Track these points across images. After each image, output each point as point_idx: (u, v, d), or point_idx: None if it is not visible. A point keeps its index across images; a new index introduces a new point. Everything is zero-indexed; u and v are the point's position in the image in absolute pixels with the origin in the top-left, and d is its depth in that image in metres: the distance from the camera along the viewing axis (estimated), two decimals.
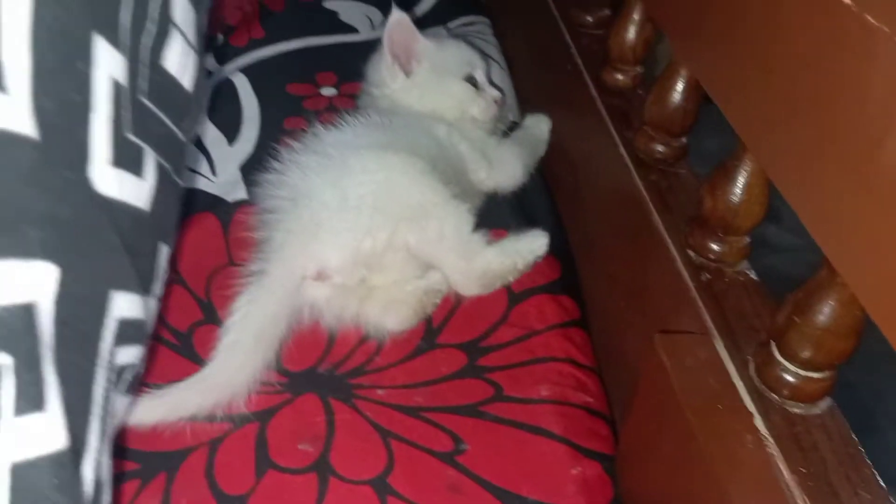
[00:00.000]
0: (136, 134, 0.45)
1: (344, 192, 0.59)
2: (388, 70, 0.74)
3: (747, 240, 0.50)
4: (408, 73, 0.74)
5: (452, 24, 1.03)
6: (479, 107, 0.74)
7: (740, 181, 0.48)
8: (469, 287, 0.64)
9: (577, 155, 0.74)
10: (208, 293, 0.62)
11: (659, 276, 0.54)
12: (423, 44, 0.74)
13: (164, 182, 0.48)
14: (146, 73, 0.46)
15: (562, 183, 0.76)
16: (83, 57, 0.40)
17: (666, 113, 0.58)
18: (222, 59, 0.91)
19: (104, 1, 0.42)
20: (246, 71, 0.89)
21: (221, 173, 0.75)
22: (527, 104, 0.89)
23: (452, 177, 0.65)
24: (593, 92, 0.69)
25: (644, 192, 0.57)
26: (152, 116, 0.47)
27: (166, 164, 0.49)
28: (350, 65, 0.93)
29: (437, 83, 0.74)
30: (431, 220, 0.61)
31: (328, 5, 1.06)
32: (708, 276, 0.50)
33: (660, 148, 0.60)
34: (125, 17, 0.43)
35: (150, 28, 0.46)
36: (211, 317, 0.61)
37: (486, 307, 0.64)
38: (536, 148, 0.79)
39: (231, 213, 0.70)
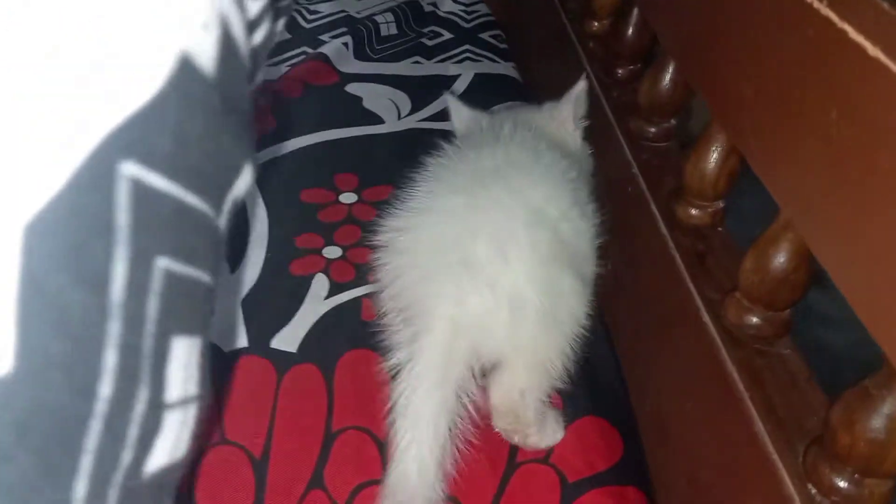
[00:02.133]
0: None
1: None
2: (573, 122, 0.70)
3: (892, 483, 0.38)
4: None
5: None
6: None
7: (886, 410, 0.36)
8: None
9: (640, 300, 0.62)
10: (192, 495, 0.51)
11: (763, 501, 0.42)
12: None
13: None
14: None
15: (622, 332, 0.64)
16: None
17: (767, 283, 0.46)
18: None
19: None
20: (257, 172, 0.79)
21: (219, 310, 0.64)
22: None
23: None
24: (663, 229, 0.57)
25: (739, 383, 0.45)
26: None
27: None
28: (373, 163, 0.83)
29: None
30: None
31: (351, 89, 0.96)
32: None
33: (755, 320, 0.47)
34: None
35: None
36: None
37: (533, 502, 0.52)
38: None
39: (228, 371, 0.59)
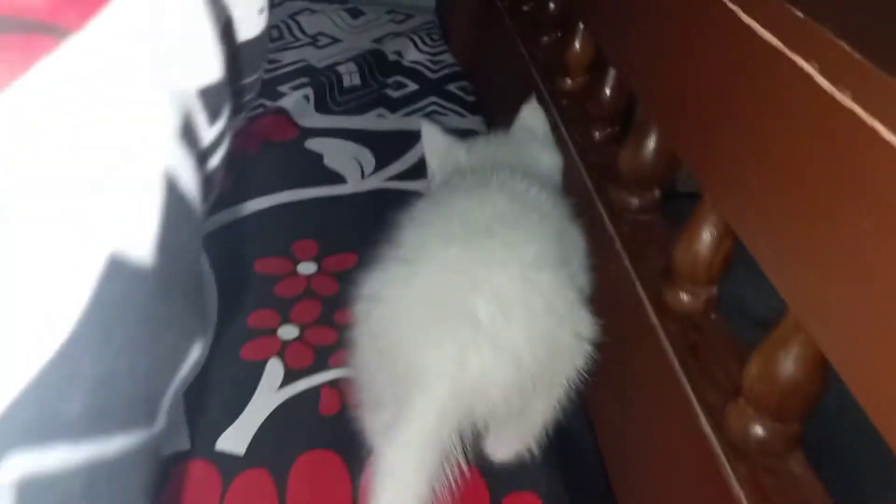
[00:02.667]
0: None
1: None
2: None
3: None
4: None
5: None
6: None
7: None
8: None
9: (629, 395, 0.57)
10: None
11: None
12: None
13: None
14: None
15: (609, 429, 0.59)
16: None
17: (776, 394, 0.40)
18: None
19: None
20: (207, 241, 0.72)
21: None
22: None
23: None
24: (651, 315, 0.52)
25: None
26: None
27: None
28: (334, 229, 0.77)
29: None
30: None
31: (311, 145, 0.90)
32: None
33: (761, 432, 0.42)
34: None
35: None
36: None
37: None
38: None
39: (165, 478, 0.51)
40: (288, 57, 1.12)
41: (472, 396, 0.47)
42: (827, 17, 0.31)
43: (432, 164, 0.71)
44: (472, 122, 1.01)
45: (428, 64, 1.15)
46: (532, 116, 0.74)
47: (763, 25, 0.35)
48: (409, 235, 0.53)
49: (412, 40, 1.20)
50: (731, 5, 0.39)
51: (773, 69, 0.36)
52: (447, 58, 1.19)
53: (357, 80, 1.07)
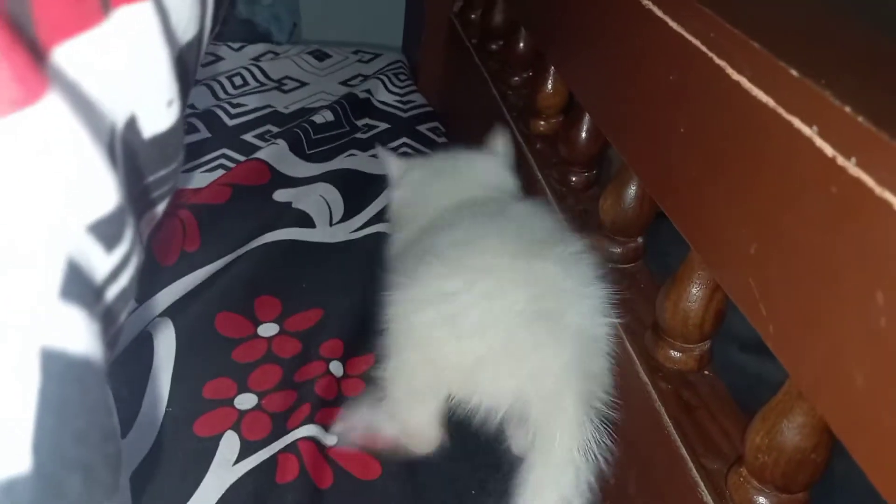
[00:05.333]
0: None
1: None
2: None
3: None
4: None
5: None
6: None
7: None
8: None
9: (624, 456, 0.54)
10: None
11: None
12: None
13: None
14: None
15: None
16: None
17: (781, 465, 0.38)
18: (145, 290, 0.69)
19: None
20: (173, 311, 0.67)
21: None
22: None
23: None
24: (642, 373, 0.50)
25: None
26: None
27: None
28: (299, 281, 0.74)
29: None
30: None
31: (280, 197, 0.86)
32: None
33: (765, 502, 0.40)
34: None
35: None
36: None
37: None
38: None
39: None
40: (253, 102, 1.08)
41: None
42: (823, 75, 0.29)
43: (394, 171, 0.74)
44: None
45: (398, 104, 1.13)
46: (501, 142, 0.76)
47: (754, 83, 0.33)
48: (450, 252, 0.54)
49: (381, 81, 1.18)
50: (718, 61, 0.37)
51: (765, 129, 0.34)
52: (417, 98, 1.17)
53: (330, 117, 1.03)
